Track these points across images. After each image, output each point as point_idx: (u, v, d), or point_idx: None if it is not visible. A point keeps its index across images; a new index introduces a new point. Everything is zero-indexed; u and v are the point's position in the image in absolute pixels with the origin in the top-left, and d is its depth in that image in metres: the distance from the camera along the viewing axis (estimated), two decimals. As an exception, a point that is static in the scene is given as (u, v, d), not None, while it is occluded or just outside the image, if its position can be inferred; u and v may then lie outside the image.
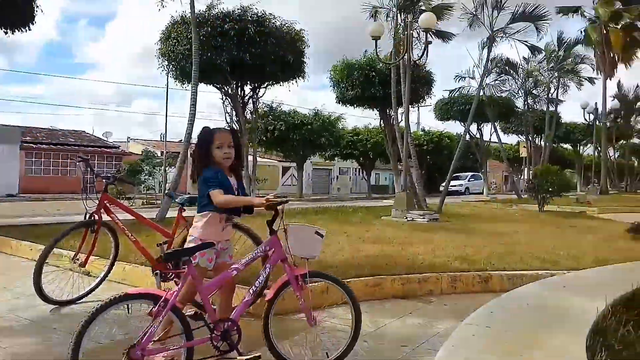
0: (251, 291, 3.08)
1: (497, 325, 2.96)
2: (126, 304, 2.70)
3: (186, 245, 3.12)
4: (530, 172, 19.61)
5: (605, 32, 27.76)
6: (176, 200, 4.69)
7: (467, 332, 2.76)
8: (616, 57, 29.27)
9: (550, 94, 27.98)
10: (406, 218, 11.36)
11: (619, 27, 27.91)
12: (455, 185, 38.30)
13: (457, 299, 5.30)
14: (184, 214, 4.65)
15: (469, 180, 42.76)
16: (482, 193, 36.72)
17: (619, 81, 37.73)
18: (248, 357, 2.90)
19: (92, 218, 4.68)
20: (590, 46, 27.16)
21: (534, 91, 27.97)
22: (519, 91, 27.87)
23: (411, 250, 6.96)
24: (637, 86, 38.73)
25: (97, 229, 4.70)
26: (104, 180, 4.76)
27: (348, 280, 5.02)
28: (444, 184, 15.98)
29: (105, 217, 4.74)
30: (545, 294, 4.03)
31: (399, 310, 4.79)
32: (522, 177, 38.94)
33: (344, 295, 3.36)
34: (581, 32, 28.02)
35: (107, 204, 4.75)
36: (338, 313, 4.27)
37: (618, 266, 5.77)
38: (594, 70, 29.18)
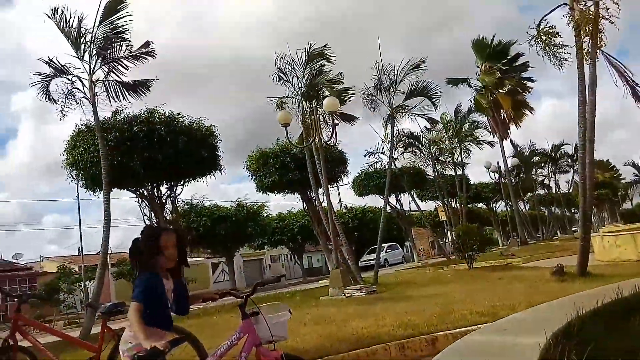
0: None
1: None
2: None
3: (126, 352, 2.91)
4: (453, 233, 20.38)
5: (492, 97, 30.48)
6: (99, 310, 4.39)
7: None
8: (507, 119, 32.04)
9: (454, 159, 29.84)
10: (344, 295, 11.26)
11: (504, 92, 30.80)
12: (372, 259, 38.71)
13: (408, 366, 5.22)
14: (109, 324, 4.34)
15: (386, 252, 40.05)
16: (401, 263, 36.41)
17: (511, 140, 40.71)
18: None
19: (7, 343, 4.24)
20: (481, 112, 29.56)
21: (440, 158, 29.74)
22: (427, 160, 29.54)
23: (354, 324, 6.86)
24: (530, 142, 42.29)
25: (14, 354, 4.25)
26: (15, 300, 4.37)
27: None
28: (373, 257, 16.18)
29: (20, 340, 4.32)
30: (488, 341, 4.13)
31: (353, 388, 4.63)
32: (446, 240, 40.26)
33: None
34: (470, 101, 30.54)
35: (22, 326, 4.34)
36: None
37: (551, 303, 6.04)
38: (490, 133, 31.64)
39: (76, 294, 23.93)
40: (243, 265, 42.23)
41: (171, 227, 3.20)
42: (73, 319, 21.61)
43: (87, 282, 22.49)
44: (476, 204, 45.80)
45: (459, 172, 30.51)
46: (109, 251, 10.89)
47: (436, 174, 29.81)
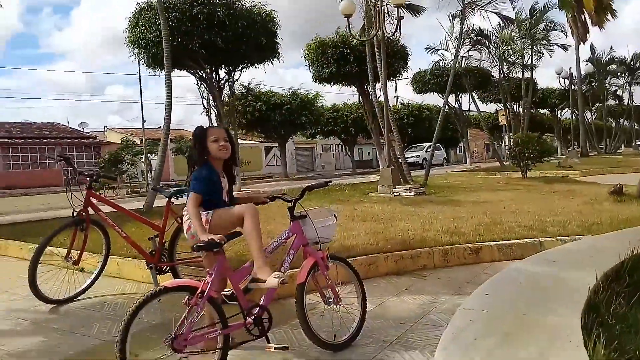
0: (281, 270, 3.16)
1: (494, 308, 3.00)
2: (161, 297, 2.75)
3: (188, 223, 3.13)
4: (511, 139, 19.80)
5: (575, -7, 27.86)
6: (163, 194, 4.67)
7: (466, 318, 2.80)
8: (588, 21, 29.49)
9: (524, 62, 28.15)
10: (393, 193, 11.44)
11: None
12: (411, 157, 34.84)
13: (450, 272, 5.40)
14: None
15: (426, 151, 37.48)
16: (442, 165, 35.55)
17: (591, 45, 37.92)
18: (278, 346, 3.04)
19: (80, 216, 4.63)
20: (564, 8, 27.17)
21: (508, 59, 28.11)
22: (494, 60, 28.01)
23: (401, 226, 7.04)
24: (611, 49, 39.18)
25: (87, 227, 4.66)
26: (87, 178, 4.69)
27: (342, 261, 5.09)
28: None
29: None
30: (537, 271, 4.04)
31: (395, 288, 4.88)
32: (503, 144, 39.31)
33: (351, 277, 3.61)
34: (549, -3, 28.01)
35: (93, 201, 4.70)
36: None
37: (608, 235, 5.84)
38: (566, 36, 29.37)
39: (138, 165, 25.39)
40: (295, 152, 43.14)
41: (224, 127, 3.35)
42: (134, 188, 23.17)
43: (147, 155, 23.68)
44: (540, 110, 43.81)
45: (527, 75, 28.90)
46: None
47: (502, 75, 28.36)
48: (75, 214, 4.65)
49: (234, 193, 3.40)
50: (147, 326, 3.69)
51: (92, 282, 4.84)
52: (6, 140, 30.80)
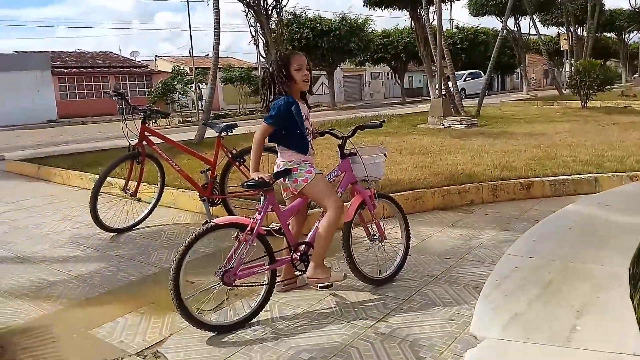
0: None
1: (540, 254, 2.95)
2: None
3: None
4: (572, 66, 18.69)
5: None
6: (214, 129, 4.75)
7: (510, 265, 2.77)
8: None
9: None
10: (443, 125, 11.19)
11: None
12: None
13: (498, 208, 5.34)
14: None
15: (465, 80, 33.88)
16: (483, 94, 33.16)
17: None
18: (322, 285, 3.06)
19: (136, 150, 4.81)
20: None
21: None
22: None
23: (450, 159, 6.94)
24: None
25: (142, 160, 4.85)
26: (141, 114, 4.81)
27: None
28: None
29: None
30: (588, 215, 3.90)
31: (441, 223, 4.89)
32: (563, 70, 37.23)
33: (396, 214, 3.64)
34: None
35: (147, 135, 4.85)
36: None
37: None
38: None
39: (188, 94, 25.72)
40: (343, 80, 42.43)
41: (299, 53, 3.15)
42: (186, 117, 23.62)
43: (198, 85, 23.90)
44: (605, 34, 40.79)
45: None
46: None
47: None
48: (130, 147, 4.84)
49: None
50: (201, 255, 3.89)
51: (149, 212, 5.10)
52: (62, 69, 31.69)
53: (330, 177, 3.31)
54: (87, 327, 2.97)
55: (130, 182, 4.97)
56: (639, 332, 2.06)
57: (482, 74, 34.94)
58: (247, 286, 3.01)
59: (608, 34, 42.00)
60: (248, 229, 2.83)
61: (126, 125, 4.73)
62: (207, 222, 4.58)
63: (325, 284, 3.06)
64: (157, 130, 5.15)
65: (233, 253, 2.85)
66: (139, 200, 5.11)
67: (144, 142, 4.82)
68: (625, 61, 43.36)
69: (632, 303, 2.27)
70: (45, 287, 3.59)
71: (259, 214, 2.91)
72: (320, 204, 3.15)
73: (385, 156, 3.48)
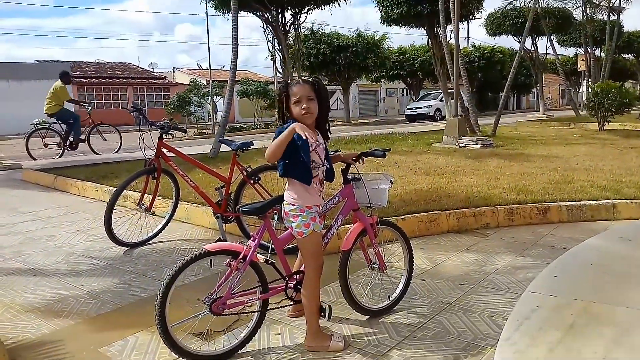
0: (324, 241, 3.04)
1: (561, 293, 2.85)
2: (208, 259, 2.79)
3: (286, 210, 2.91)
4: (590, 88, 18.56)
5: None
6: (230, 146, 4.76)
7: (531, 304, 2.69)
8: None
9: (611, 2, 25.85)
10: (458, 145, 11.13)
11: None
12: (421, 108, 30.98)
13: (514, 232, 5.27)
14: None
15: (441, 100, 28.60)
16: (435, 119, 29.62)
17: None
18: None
19: (152, 165, 4.84)
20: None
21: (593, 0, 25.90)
22: (577, 1, 25.90)
23: (465, 181, 6.88)
24: None
25: (158, 175, 4.87)
26: (159, 130, 4.85)
27: (402, 217, 5.07)
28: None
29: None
30: (610, 251, 3.75)
31: (456, 246, 4.82)
32: (580, 91, 36.96)
33: (400, 242, 3.49)
34: None
35: (164, 150, 4.88)
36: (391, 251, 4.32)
37: None
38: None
39: (205, 107, 25.95)
40: (358, 96, 42.56)
41: (310, 79, 2.93)
42: (202, 129, 23.81)
43: (214, 98, 24.11)
44: (624, 55, 40.50)
45: (613, 17, 26.60)
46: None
47: (585, 17, 26.26)
48: (147, 162, 4.86)
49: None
50: (194, 280, 3.86)
51: (163, 227, 5.11)
52: (82, 79, 32.20)
53: (331, 203, 3.15)
54: (98, 345, 2.95)
55: (145, 196, 4.99)
56: None
57: (460, 93, 32.44)
58: (236, 314, 2.92)
59: (626, 56, 41.71)
60: (240, 256, 2.75)
61: (143, 140, 4.76)
62: (219, 239, 4.60)
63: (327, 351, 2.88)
64: (172, 144, 5.17)
65: (223, 280, 2.75)
66: (153, 214, 5.12)
67: (160, 157, 4.85)
68: (644, 83, 42.97)
69: None
70: (57, 302, 3.59)
71: (253, 240, 2.83)
72: (303, 258, 2.97)
73: (391, 183, 3.31)
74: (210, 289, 2.78)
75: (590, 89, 17.20)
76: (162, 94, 35.15)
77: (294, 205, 2.84)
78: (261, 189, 4.77)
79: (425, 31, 19.22)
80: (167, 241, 5.03)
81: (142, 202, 4.97)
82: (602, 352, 2.17)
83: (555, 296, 2.77)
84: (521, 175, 7.27)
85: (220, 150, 9.91)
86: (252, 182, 4.72)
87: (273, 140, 2.74)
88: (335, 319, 3.22)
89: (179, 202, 5.30)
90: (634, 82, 44.27)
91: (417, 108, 31.35)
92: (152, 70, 39.17)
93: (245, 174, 4.70)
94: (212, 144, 10.46)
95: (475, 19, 24.08)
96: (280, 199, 2.92)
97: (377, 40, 29.66)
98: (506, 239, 5.04)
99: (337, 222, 3.18)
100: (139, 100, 33.24)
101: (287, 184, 2.91)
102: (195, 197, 5.58)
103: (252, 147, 4.87)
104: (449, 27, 15.21)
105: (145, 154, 4.81)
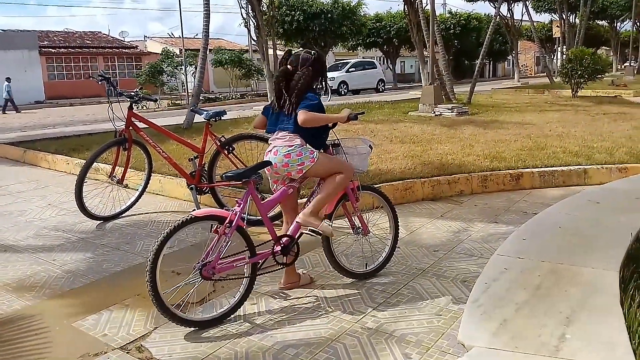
0: (306, 205, 3.13)
1: (529, 255, 2.90)
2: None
3: (285, 153, 3.04)
4: (564, 55, 18.66)
5: None
6: (202, 115, 4.67)
7: (500, 266, 2.73)
8: None
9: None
10: (434, 113, 11.15)
11: None
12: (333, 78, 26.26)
13: (488, 199, 5.34)
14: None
15: (348, 72, 27.72)
16: (376, 89, 27.90)
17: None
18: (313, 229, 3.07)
19: (122, 136, 4.73)
20: None
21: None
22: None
23: (440, 149, 6.92)
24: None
25: (129, 147, 4.78)
26: (128, 100, 4.72)
27: (378, 185, 5.08)
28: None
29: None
30: (577, 214, 3.84)
31: (430, 214, 4.87)
32: (554, 58, 37.20)
33: (384, 206, 3.54)
34: None
35: (134, 121, 4.76)
36: (373, 219, 4.33)
37: None
38: None
39: (178, 77, 25.41)
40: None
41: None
42: (175, 100, 23.36)
43: (187, 67, 23.58)
44: (597, 22, 40.77)
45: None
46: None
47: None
48: (117, 133, 4.75)
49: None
50: (188, 245, 3.85)
51: (136, 200, 5.03)
52: (50, 49, 31.15)
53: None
54: (71, 320, 2.92)
55: (116, 168, 4.89)
56: (629, 341, 2.04)
57: (375, 63, 30.23)
58: (227, 279, 2.96)
59: (600, 22, 42.01)
60: (227, 221, 2.78)
61: (112, 110, 4.63)
62: (194, 210, 4.57)
63: (315, 229, 3.05)
64: (145, 115, 5.05)
65: (211, 246, 2.80)
66: (126, 187, 5.04)
67: (131, 128, 4.74)
68: (616, 50, 43.41)
69: (622, 309, 2.25)
70: (29, 277, 3.54)
71: (239, 205, 2.87)
72: (331, 172, 3.11)
73: (371, 148, 3.37)
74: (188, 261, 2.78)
75: (564, 55, 17.33)
76: (134, 63, 34.22)
77: (291, 146, 3.00)
78: (236, 159, 4.70)
79: (401, -3, 18.99)
80: (141, 214, 4.97)
81: (114, 174, 4.88)
82: (567, 312, 2.24)
83: (523, 258, 2.83)
84: (495, 143, 7.33)
85: (195, 121, 9.76)
86: (226, 152, 4.65)
87: (309, 109, 2.96)
88: (312, 285, 3.30)
89: (152, 174, 5.22)
90: (607, 48, 44.69)
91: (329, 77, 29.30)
92: (122, 39, 37.98)
93: (218, 144, 4.63)
94: (186, 114, 10.28)
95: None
96: (266, 163, 3.02)
97: (353, 6, 29.17)
98: (479, 206, 5.11)
99: (319, 187, 3.21)
100: (110, 71, 32.36)
101: (280, 139, 3.05)
102: (168, 168, 5.50)
103: (225, 116, 4.79)
104: (425, -8, 15.06)
105: (115, 125, 4.69)
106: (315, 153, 3.04)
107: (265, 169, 3.06)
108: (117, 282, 3.45)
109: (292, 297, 3.15)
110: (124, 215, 4.90)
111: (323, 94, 3.37)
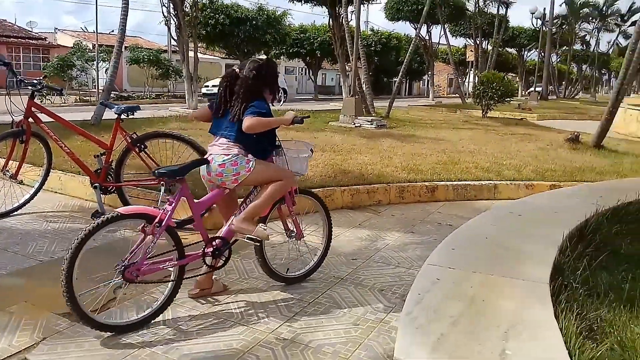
0: (241, 209, 3.01)
1: (460, 266, 2.89)
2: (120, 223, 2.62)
3: (220, 162, 2.90)
4: (477, 77, 19.70)
5: None
6: (113, 110, 4.33)
7: (432, 276, 2.69)
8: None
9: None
10: (354, 124, 11.28)
11: None
12: (216, 86, 25.85)
13: (404, 209, 5.39)
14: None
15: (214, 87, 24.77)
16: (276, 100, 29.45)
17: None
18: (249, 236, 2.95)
19: (20, 127, 4.28)
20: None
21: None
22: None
23: (360, 159, 6.95)
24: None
25: (27, 139, 4.33)
26: (29, 87, 4.29)
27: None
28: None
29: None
30: (502, 225, 3.94)
31: (349, 222, 4.83)
32: (467, 81, 39.27)
33: (320, 212, 3.51)
34: None
35: (35, 112, 4.33)
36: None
37: (574, 189, 5.85)
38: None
39: (89, 73, 24.01)
40: (257, 72, 41.70)
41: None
42: (84, 96, 22.02)
43: (100, 63, 22.32)
44: (507, 49, 43.64)
45: (501, 11, 28.52)
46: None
47: (477, 9, 27.83)
48: (14, 124, 4.30)
49: None
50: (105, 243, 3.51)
51: (31, 197, 4.57)
52: (-55, 33, 28.41)
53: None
54: (-60, 330, 2.53)
55: (10, 162, 4.42)
56: (568, 357, 2.03)
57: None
58: (151, 283, 2.76)
59: (509, 50, 44.99)
60: (156, 220, 2.58)
61: (10, 98, 4.18)
62: (97, 211, 4.20)
63: (250, 236, 2.92)
64: (49, 108, 4.59)
65: (137, 246, 2.59)
66: (21, 183, 4.56)
67: (30, 119, 4.30)
68: (522, 76, 46.65)
69: (558, 323, 2.24)
70: None
71: (170, 204, 2.68)
72: (268, 180, 2.98)
73: (312, 152, 3.30)
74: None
75: (477, 78, 18.28)
76: (41, 55, 31.99)
77: (227, 155, 2.86)
78: (148, 159, 4.40)
79: (327, 10, 19.21)
80: (36, 213, 4.51)
81: (7, 168, 4.40)
82: (504, 326, 2.20)
83: (454, 269, 2.81)
84: (412, 155, 7.49)
85: (104, 118, 9.16)
86: (137, 150, 4.33)
87: (255, 115, 2.81)
88: (225, 292, 3.13)
89: (52, 170, 4.77)
90: (514, 74, 47.85)
91: (213, 86, 26.67)
92: (30, 29, 35.39)
93: (129, 140, 4.30)
94: (95, 109, 9.65)
95: (375, 3, 24.61)
96: (202, 161, 2.91)
97: (279, 15, 29.17)
98: (397, 216, 5.15)
99: (256, 189, 3.08)
100: (14, 62, 30.01)
101: (218, 146, 2.91)
102: (71, 165, 5.05)
103: (138, 113, 4.48)
104: (350, 8, 15.31)
105: (13, 115, 4.23)
106: (252, 162, 2.90)
107: (201, 176, 2.95)
108: (2, 287, 3.05)
109: (202, 306, 2.94)
110: (16, 213, 4.42)
111: (274, 103, 3.21)
